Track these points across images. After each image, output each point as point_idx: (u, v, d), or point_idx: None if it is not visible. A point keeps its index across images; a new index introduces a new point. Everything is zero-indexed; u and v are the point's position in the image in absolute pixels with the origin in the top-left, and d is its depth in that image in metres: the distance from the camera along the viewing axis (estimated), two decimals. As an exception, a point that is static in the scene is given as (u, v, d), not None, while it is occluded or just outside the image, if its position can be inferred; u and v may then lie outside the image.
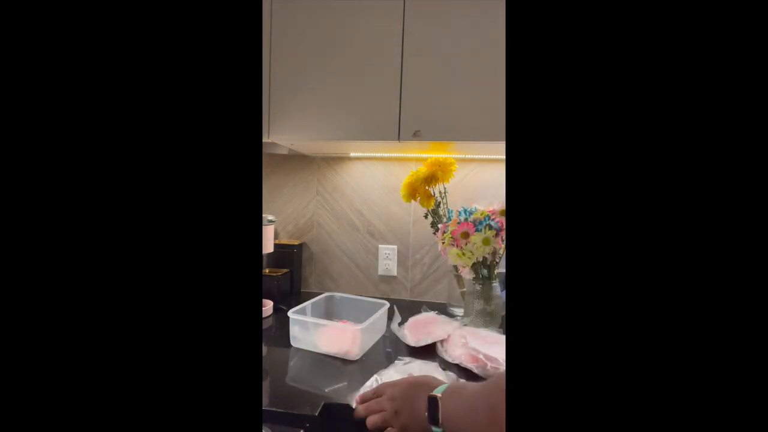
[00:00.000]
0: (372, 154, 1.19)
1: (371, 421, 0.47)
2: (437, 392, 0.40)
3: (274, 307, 1.03)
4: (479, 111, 0.85)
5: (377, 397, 0.49)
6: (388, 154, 1.17)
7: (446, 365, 0.70)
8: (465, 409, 0.35)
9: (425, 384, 0.43)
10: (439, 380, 0.44)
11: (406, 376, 0.64)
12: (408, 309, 1.04)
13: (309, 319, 0.80)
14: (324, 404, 0.58)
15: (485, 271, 0.87)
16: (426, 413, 0.39)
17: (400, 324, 0.87)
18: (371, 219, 1.22)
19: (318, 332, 0.78)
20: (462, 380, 0.41)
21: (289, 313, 0.80)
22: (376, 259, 1.22)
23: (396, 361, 0.72)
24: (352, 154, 1.20)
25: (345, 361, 0.74)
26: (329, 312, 0.97)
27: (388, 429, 0.45)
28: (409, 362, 0.71)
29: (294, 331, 0.81)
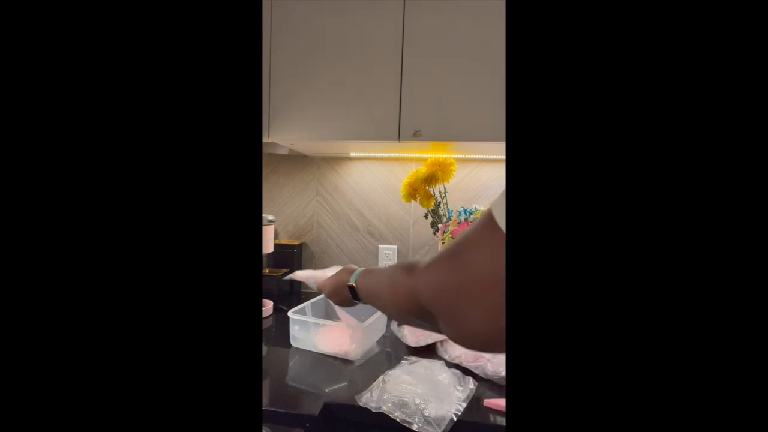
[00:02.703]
0: (372, 154, 1.19)
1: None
2: (353, 281, 0.55)
3: (274, 307, 1.03)
4: (479, 111, 0.85)
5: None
6: (388, 154, 1.17)
7: (449, 364, 0.70)
8: (373, 283, 0.50)
9: (346, 272, 0.59)
10: (353, 268, 0.59)
11: (412, 376, 0.64)
12: (408, 309, 1.04)
13: (309, 319, 0.80)
14: (324, 404, 0.58)
15: (485, 271, 0.87)
16: (350, 296, 0.56)
17: (400, 324, 0.87)
18: (371, 219, 1.22)
19: (318, 332, 0.78)
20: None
21: (289, 313, 0.80)
22: (376, 259, 1.22)
23: (402, 361, 0.72)
24: (352, 154, 1.20)
25: (345, 361, 0.74)
26: (329, 312, 0.97)
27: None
28: (414, 362, 0.71)
29: (294, 331, 0.81)
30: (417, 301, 0.34)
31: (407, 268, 0.38)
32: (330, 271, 0.66)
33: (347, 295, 0.56)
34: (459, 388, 0.62)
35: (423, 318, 0.35)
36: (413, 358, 0.73)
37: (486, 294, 0.28)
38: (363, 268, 0.56)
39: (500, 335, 0.27)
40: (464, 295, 0.29)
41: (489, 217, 0.28)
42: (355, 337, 0.75)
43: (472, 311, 0.29)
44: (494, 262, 0.27)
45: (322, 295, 0.95)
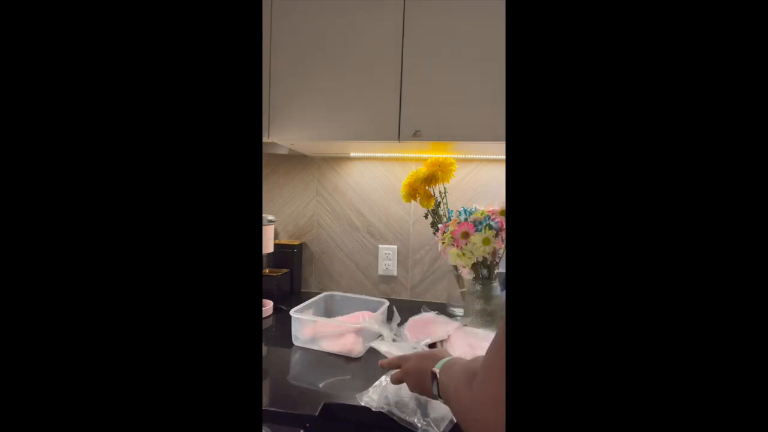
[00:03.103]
0: (372, 154, 1.19)
1: (393, 377, 0.57)
2: (437, 368, 0.48)
3: (274, 307, 1.03)
4: (479, 111, 0.85)
5: (397, 366, 0.58)
6: (388, 154, 1.17)
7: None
8: (453, 382, 0.44)
9: (431, 357, 0.52)
10: (444, 353, 0.53)
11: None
12: (408, 309, 1.04)
13: (311, 318, 0.80)
14: (324, 404, 0.58)
15: (485, 271, 0.87)
16: (431, 383, 0.49)
17: (400, 324, 0.87)
18: (371, 219, 1.22)
19: (320, 330, 0.78)
20: (456, 357, 0.50)
21: (291, 312, 0.80)
22: (376, 259, 1.22)
23: None
24: (352, 154, 1.20)
25: (347, 360, 0.74)
26: (329, 311, 0.97)
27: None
28: None
29: (296, 329, 0.81)
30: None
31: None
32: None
33: (429, 387, 0.50)
34: (459, 388, 0.62)
35: None
36: (413, 358, 0.73)
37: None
38: (447, 359, 0.50)
39: None
40: None
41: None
42: (358, 335, 0.75)
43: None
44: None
45: (323, 294, 0.96)
